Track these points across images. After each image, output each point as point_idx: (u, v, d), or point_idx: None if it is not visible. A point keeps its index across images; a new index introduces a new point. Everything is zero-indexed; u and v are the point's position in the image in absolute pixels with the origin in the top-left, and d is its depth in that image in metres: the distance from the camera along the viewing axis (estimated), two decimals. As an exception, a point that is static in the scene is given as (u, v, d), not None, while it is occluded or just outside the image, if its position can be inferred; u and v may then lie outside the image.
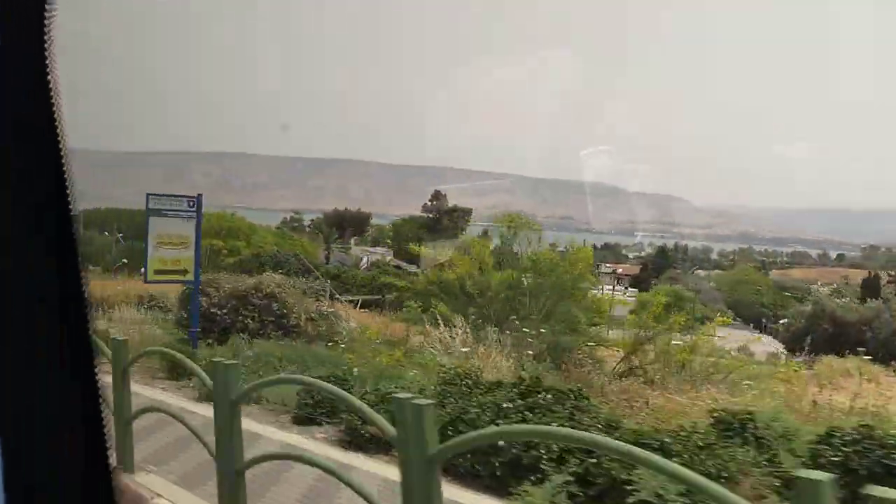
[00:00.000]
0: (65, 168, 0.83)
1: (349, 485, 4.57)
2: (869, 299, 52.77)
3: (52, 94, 0.82)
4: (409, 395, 4.52)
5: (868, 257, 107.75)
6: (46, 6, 0.81)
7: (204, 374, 6.15)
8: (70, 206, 0.85)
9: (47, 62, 0.81)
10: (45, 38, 0.80)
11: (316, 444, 8.89)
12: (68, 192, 0.84)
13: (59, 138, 0.82)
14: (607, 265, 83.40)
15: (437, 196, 75.14)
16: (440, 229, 67.45)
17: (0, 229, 0.78)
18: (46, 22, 0.81)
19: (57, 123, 0.82)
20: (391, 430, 3.90)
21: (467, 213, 76.60)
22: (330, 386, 5.63)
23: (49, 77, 0.81)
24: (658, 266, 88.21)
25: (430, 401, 4.01)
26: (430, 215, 73.43)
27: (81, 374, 0.91)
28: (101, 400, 0.94)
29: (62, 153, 0.83)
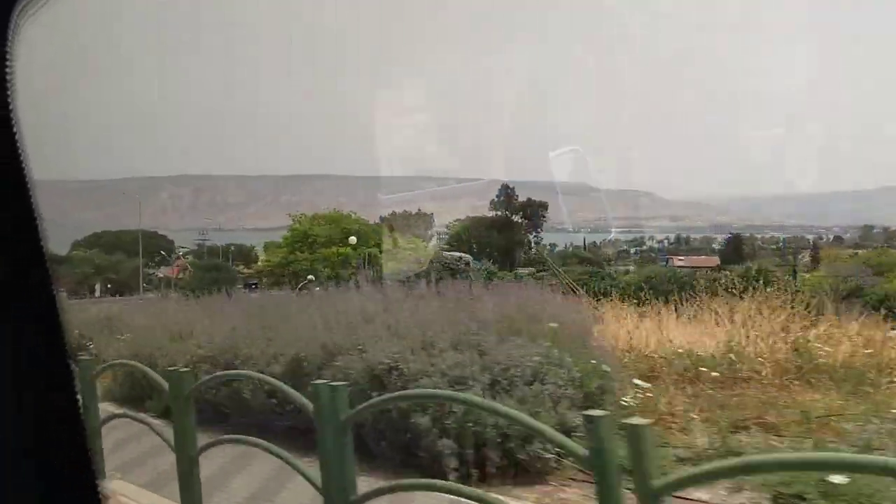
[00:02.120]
0: (31, 198, 0.85)
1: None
2: None
3: (13, 123, 0.82)
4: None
5: (866, 237, 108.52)
6: (7, 39, 0.81)
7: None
8: (39, 231, 0.86)
9: (9, 94, 0.82)
10: (7, 72, 0.81)
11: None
12: (37, 220, 0.86)
13: (24, 168, 0.83)
14: (679, 258, 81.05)
15: (506, 193, 70.75)
16: (513, 226, 66.30)
17: None
18: (8, 58, 0.82)
19: (20, 154, 0.82)
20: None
21: (544, 206, 72.03)
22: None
23: (11, 107, 0.82)
24: (730, 257, 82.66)
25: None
26: (499, 213, 69.70)
27: (61, 387, 0.93)
28: (79, 410, 0.96)
29: (27, 182, 0.85)
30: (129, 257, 64.00)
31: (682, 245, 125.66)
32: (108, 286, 58.24)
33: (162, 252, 74.23)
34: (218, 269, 57.68)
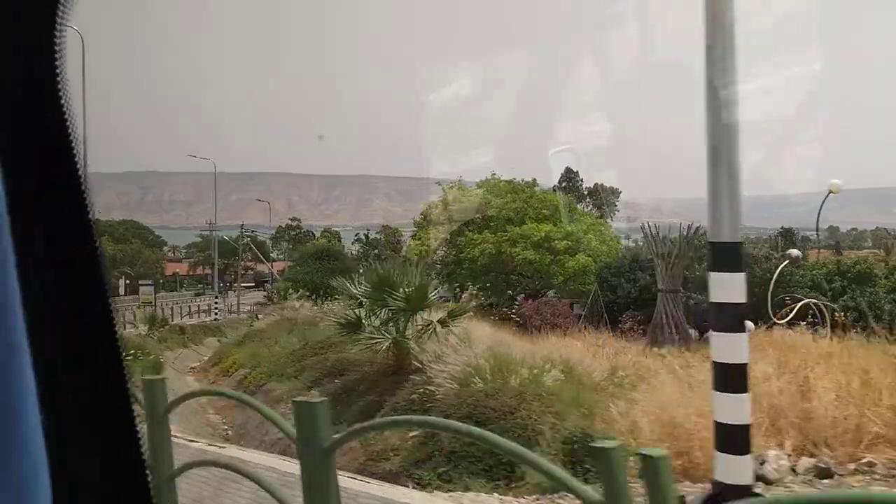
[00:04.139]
0: (82, 181, 0.87)
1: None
2: None
3: (63, 104, 0.83)
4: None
5: (831, 237, 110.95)
6: (58, 19, 0.82)
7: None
8: (90, 219, 0.88)
9: (59, 72, 0.83)
10: (57, 50, 0.82)
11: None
12: (88, 207, 0.87)
13: (75, 151, 0.84)
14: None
15: (568, 176, 64.54)
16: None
17: (24, 248, 0.78)
18: (58, 35, 0.83)
19: (71, 135, 0.84)
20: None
21: (616, 192, 67.29)
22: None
23: (60, 87, 0.83)
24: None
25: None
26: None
27: (113, 386, 0.93)
28: (132, 404, 0.96)
29: (78, 166, 0.86)
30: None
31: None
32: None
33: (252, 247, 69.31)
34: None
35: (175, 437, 12.51)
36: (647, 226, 28.58)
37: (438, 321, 12.02)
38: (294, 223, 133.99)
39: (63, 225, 0.84)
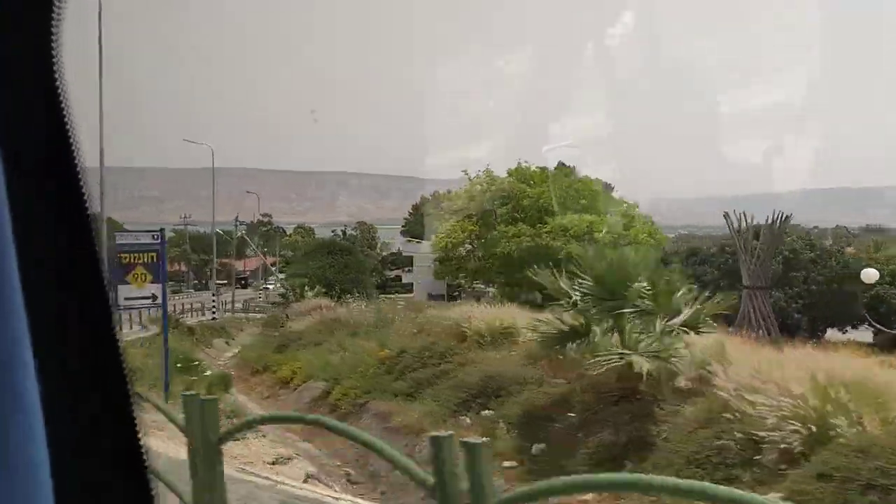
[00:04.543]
0: (82, 179, 0.84)
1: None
2: None
3: (61, 98, 0.81)
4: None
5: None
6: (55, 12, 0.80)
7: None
8: (90, 217, 0.85)
9: (55, 68, 0.81)
10: (53, 44, 0.80)
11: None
12: (87, 205, 0.84)
13: (73, 146, 0.82)
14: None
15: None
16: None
17: (23, 245, 0.75)
18: (54, 30, 0.81)
19: (69, 130, 0.81)
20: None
21: (609, 188, 63.02)
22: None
23: (58, 81, 0.81)
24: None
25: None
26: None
27: (110, 383, 0.89)
28: (131, 403, 0.91)
29: (77, 164, 0.83)
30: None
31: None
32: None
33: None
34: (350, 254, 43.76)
35: (268, 479, 9.08)
36: (732, 216, 25.92)
37: (682, 326, 8.85)
38: (266, 219, 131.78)
39: (62, 224, 0.84)
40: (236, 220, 54.49)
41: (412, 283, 61.12)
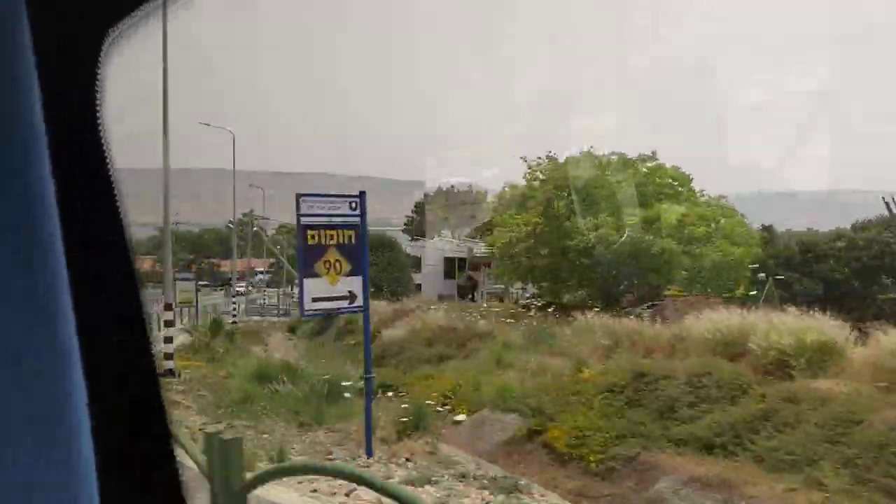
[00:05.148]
0: (116, 194, 0.87)
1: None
2: None
3: (98, 120, 0.86)
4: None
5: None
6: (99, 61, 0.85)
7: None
8: (125, 234, 0.88)
9: (98, 117, 0.86)
10: (97, 95, 0.86)
11: None
12: (122, 220, 0.88)
13: (109, 164, 0.87)
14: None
15: None
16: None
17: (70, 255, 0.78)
18: (98, 81, 0.86)
19: (105, 149, 0.86)
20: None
21: None
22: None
23: (101, 131, 0.86)
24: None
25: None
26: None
27: (146, 396, 0.93)
28: (165, 415, 0.95)
29: (111, 173, 0.87)
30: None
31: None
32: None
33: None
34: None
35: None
36: (892, 201, 22.27)
37: None
38: (247, 218, 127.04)
39: (97, 229, 0.87)
40: (251, 214, 49.18)
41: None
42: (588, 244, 29.66)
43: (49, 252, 0.75)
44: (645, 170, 32.20)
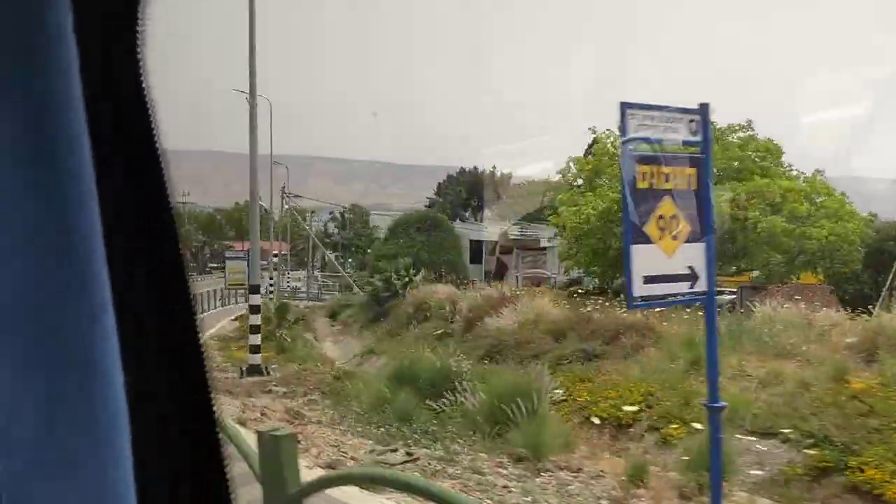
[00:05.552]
0: (164, 170, 0.84)
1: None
2: None
3: (145, 92, 0.83)
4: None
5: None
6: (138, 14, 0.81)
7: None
8: (171, 209, 0.85)
9: (141, 71, 0.82)
10: (139, 48, 0.82)
11: None
12: (169, 196, 0.85)
13: (156, 138, 0.84)
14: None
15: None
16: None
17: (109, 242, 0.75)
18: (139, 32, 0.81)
19: (153, 122, 0.83)
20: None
21: None
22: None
23: (143, 85, 0.82)
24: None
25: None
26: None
27: (193, 383, 0.89)
28: (214, 409, 0.90)
29: (159, 153, 0.84)
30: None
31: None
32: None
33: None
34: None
35: None
36: None
37: None
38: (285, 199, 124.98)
39: (147, 220, 0.84)
40: (283, 190, 45.59)
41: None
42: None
43: (89, 239, 0.72)
44: (736, 140, 28.92)
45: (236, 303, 36.60)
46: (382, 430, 8.87)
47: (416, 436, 8.47)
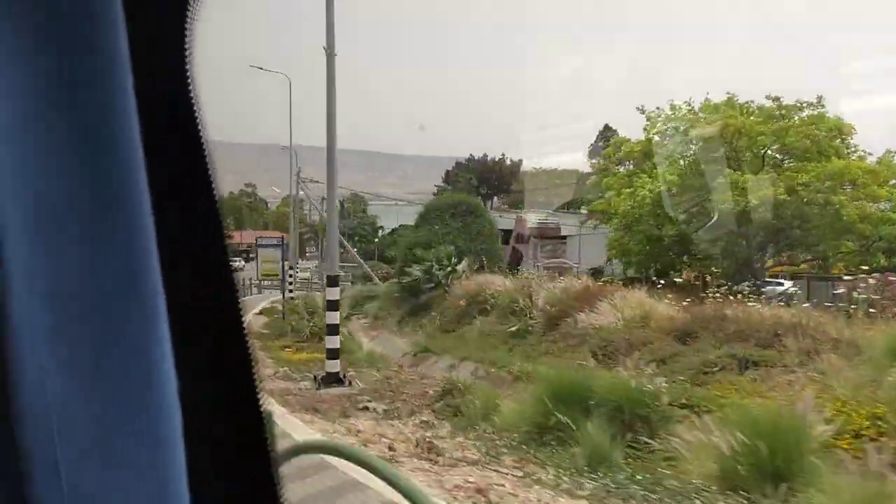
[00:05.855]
0: (208, 162, 0.84)
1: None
2: None
3: (191, 83, 0.82)
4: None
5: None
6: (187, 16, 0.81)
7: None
8: (217, 204, 0.85)
9: (188, 73, 0.81)
10: (187, 54, 0.81)
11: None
12: (214, 189, 0.84)
13: (202, 131, 0.83)
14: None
15: (605, 135, 50.94)
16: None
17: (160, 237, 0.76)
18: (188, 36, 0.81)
19: (198, 117, 0.82)
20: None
21: None
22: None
23: (189, 68, 0.81)
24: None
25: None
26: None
27: (239, 383, 0.88)
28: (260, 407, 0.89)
29: (204, 145, 0.84)
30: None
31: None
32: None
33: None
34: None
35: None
36: None
37: None
38: (249, 189, 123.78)
39: (195, 218, 0.84)
40: (298, 174, 42.76)
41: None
42: (744, 206, 24.20)
43: (141, 235, 0.73)
44: (804, 118, 26.58)
45: (251, 294, 34.03)
46: (593, 481, 6.29)
47: (656, 496, 5.93)
